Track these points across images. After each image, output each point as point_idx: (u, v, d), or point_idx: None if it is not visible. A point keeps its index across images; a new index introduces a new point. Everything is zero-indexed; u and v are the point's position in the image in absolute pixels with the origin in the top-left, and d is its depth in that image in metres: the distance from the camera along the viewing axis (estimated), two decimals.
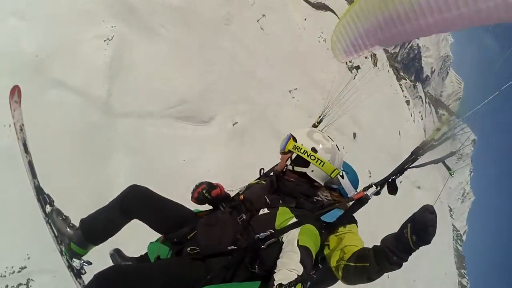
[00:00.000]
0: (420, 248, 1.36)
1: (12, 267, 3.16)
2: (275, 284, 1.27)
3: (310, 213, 1.70)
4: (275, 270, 1.39)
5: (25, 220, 2.80)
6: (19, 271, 3.18)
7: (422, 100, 30.14)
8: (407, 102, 21.84)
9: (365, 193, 1.63)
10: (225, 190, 2.00)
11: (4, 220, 3.14)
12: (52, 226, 1.85)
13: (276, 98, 8.31)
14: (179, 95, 5.72)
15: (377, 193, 1.65)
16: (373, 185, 1.63)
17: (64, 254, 1.80)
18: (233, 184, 2.23)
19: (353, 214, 1.82)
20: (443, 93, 48.13)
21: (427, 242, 1.34)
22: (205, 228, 1.74)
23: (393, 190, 1.59)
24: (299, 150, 1.78)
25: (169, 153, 5.25)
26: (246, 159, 6.01)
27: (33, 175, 1.99)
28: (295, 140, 1.81)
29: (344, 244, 1.70)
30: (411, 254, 1.39)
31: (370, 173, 9.96)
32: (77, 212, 1.93)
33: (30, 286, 3.22)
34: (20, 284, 3.19)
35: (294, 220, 1.60)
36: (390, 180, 1.58)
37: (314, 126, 2.37)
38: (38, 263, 3.24)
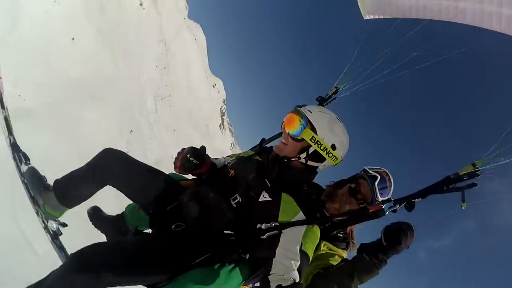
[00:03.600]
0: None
1: None
2: (274, 286, 1.24)
3: (316, 210, 1.58)
4: (270, 272, 1.30)
5: None
6: None
7: None
8: None
9: (382, 206, 1.55)
10: (211, 159, 1.80)
11: None
12: (28, 186, 1.73)
13: None
14: None
15: (394, 210, 1.58)
16: (392, 201, 1.58)
17: (39, 215, 1.70)
18: None
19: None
20: None
21: (397, 241, 1.47)
22: (191, 203, 1.55)
23: (410, 207, 1.57)
24: (319, 145, 1.52)
25: None
26: None
27: (9, 131, 1.86)
28: (314, 130, 1.52)
29: (323, 262, 1.65)
30: (384, 251, 1.49)
31: None
32: None
33: None
34: None
35: (302, 216, 1.46)
36: (411, 200, 1.57)
37: (328, 96, 2.16)
38: None
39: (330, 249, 1.75)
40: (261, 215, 1.47)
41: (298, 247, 1.35)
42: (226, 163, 1.81)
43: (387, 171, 1.86)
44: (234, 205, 1.51)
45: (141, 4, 14.38)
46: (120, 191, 1.63)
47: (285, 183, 1.55)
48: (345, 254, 1.81)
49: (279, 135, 1.85)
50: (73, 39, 5.86)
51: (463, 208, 1.51)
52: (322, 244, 1.76)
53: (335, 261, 1.67)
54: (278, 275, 1.27)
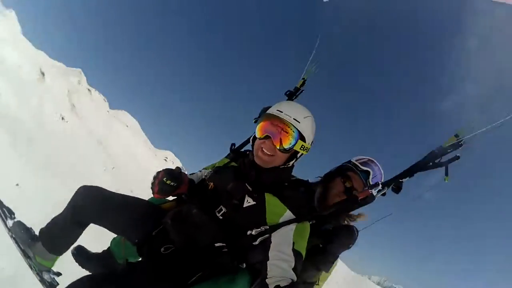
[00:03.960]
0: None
1: None
2: (273, 286, 1.23)
3: (303, 206, 1.54)
4: (267, 275, 1.29)
5: None
6: None
7: None
8: None
9: (371, 191, 1.55)
10: (188, 176, 1.79)
11: None
12: (16, 240, 1.73)
13: None
14: None
15: (384, 194, 1.58)
16: (379, 184, 1.55)
17: (33, 268, 1.68)
18: None
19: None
20: None
21: (330, 243, 1.65)
22: (175, 224, 1.53)
23: (398, 189, 1.54)
24: (306, 150, 1.55)
25: None
26: None
27: None
28: (303, 139, 1.52)
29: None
30: (320, 254, 1.64)
31: None
32: None
33: None
34: None
35: (289, 214, 1.45)
36: (399, 181, 1.53)
37: (297, 89, 2.04)
38: None
39: None
40: (249, 221, 1.45)
41: (290, 247, 1.34)
42: (203, 176, 1.78)
43: (373, 159, 1.87)
44: (220, 217, 1.48)
45: (62, 118, 13.99)
46: (103, 227, 1.62)
47: (266, 184, 1.53)
48: None
49: (250, 139, 1.77)
50: (17, 184, 5.45)
51: (446, 181, 1.47)
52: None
53: None
54: (275, 277, 1.26)
